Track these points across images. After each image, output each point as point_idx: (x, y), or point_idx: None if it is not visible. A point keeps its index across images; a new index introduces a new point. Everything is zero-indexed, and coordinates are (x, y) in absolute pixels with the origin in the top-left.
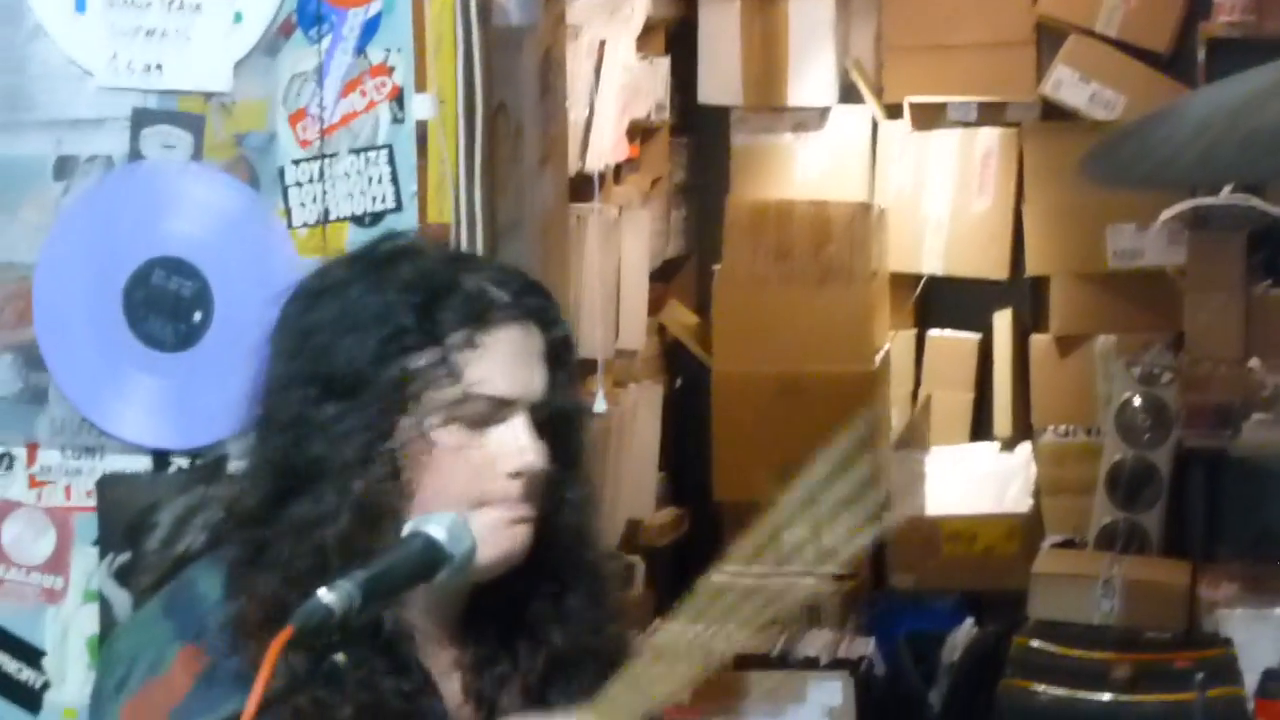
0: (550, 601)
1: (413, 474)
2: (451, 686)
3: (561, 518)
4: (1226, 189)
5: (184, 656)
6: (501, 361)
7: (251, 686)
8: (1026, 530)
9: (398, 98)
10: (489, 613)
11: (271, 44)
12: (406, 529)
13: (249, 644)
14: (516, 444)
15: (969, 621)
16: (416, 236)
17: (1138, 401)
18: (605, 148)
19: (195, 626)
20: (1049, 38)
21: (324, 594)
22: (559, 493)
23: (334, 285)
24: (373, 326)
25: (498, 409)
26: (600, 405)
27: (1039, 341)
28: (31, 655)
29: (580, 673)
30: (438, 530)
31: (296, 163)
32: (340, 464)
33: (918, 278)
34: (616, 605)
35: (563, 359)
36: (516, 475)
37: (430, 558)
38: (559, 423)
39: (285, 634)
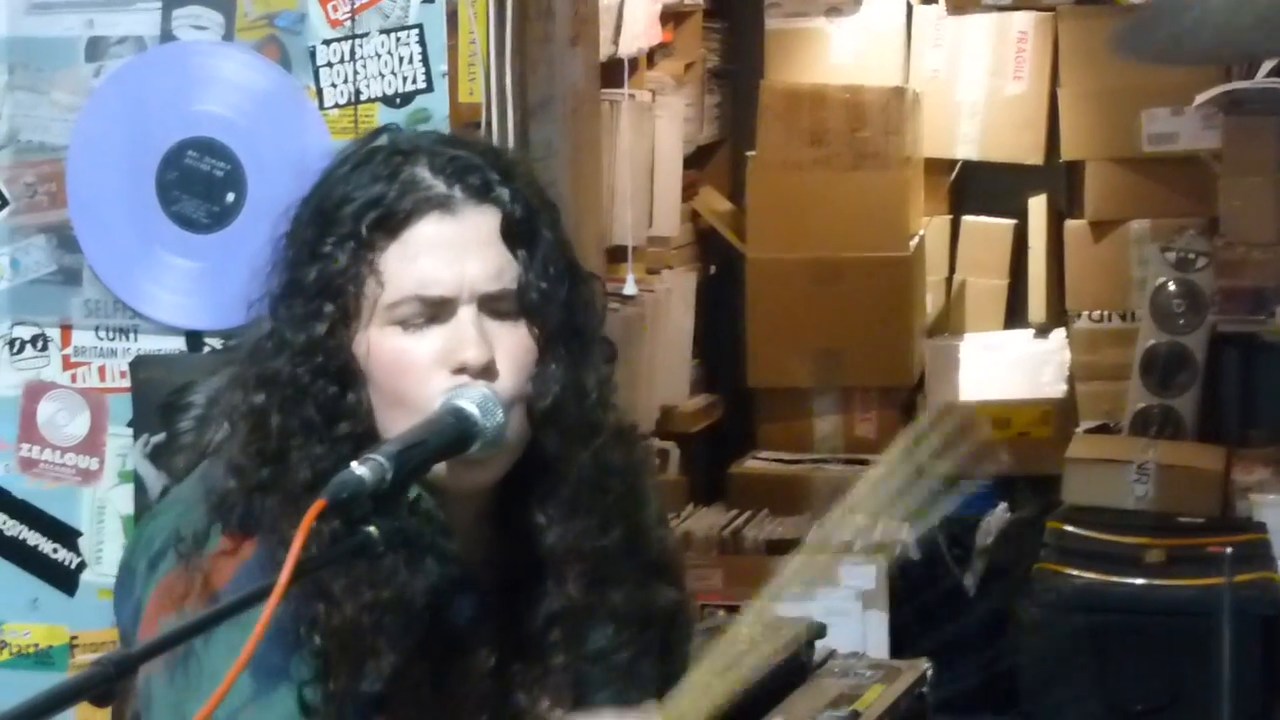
0: (549, 502)
1: (365, 379)
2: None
3: (547, 407)
4: (1262, 72)
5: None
6: (427, 258)
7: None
8: (1061, 415)
9: None
10: (505, 532)
11: None
12: (438, 403)
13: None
14: (455, 341)
15: (1003, 506)
16: (394, 130)
17: (1172, 286)
18: (638, 31)
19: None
20: None
21: (356, 466)
22: (544, 380)
23: (320, 176)
24: (310, 228)
25: (431, 308)
26: (631, 289)
27: (1073, 227)
28: (67, 536)
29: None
30: (469, 404)
31: (327, 43)
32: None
33: (952, 163)
34: (622, 498)
35: (523, 236)
36: (459, 371)
37: (462, 430)
38: (534, 305)
39: (318, 505)
